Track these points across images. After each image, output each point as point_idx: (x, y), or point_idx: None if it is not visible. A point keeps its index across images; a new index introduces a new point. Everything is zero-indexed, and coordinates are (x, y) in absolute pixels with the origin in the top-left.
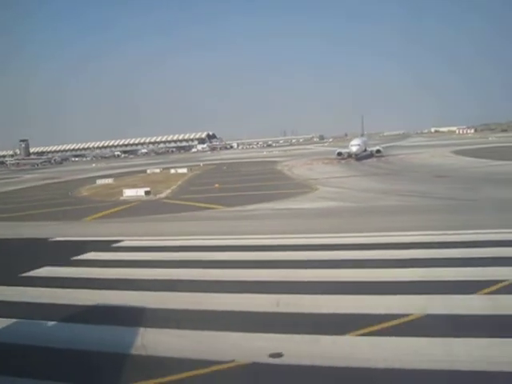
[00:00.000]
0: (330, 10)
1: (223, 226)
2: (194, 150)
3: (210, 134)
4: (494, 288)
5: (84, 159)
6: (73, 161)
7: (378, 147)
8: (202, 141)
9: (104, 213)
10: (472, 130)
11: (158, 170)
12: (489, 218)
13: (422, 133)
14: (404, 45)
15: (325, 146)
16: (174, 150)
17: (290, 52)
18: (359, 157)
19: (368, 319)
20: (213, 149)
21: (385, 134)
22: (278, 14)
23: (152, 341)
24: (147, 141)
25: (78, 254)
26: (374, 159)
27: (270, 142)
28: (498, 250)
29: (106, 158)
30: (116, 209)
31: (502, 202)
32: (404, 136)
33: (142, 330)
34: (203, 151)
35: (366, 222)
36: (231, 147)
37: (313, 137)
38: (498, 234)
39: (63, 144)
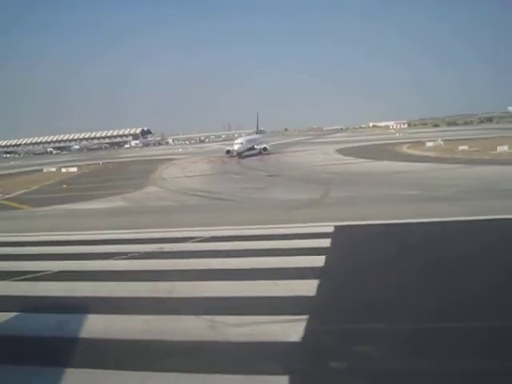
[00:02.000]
0: None
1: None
2: (126, 146)
3: (145, 129)
4: None
5: (17, 156)
6: (4, 157)
7: (265, 145)
8: (136, 137)
9: None
10: (405, 125)
11: (53, 169)
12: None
13: (360, 128)
14: (356, 39)
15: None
16: (107, 146)
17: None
18: (243, 155)
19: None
20: (146, 145)
21: (324, 128)
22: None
23: None
24: (81, 137)
25: None
26: (256, 158)
27: (202, 138)
28: None
29: (37, 154)
30: None
31: (269, 201)
32: (334, 131)
33: None
34: (136, 147)
35: (120, 221)
36: (166, 143)
37: (254, 131)
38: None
39: None
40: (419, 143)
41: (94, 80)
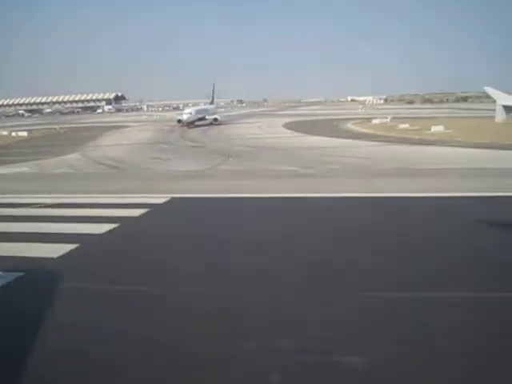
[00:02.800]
0: None
1: None
2: (99, 110)
3: (119, 95)
4: None
5: None
6: None
7: (216, 116)
8: (109, 102)
9: None
10: (381, 101)
11: (5, 133)
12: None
13: (338, 101)
14: (339, 14)
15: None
16: (79, 110)
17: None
18: (192, 125)
19: None
20: (119, 110)
21: (302, 100)
22: None
23: None
24: (54, 100)
25: None
26: (203, 128)
27: (175, 105)
28: None
29: (9, 116)
30: None
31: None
32: (309, 104)
33: None
34: (109, 112)
35: None
36: (140, 109)
37: (232, 101)
38: None
39: None
40: (367, 120)
41: (77, 40)
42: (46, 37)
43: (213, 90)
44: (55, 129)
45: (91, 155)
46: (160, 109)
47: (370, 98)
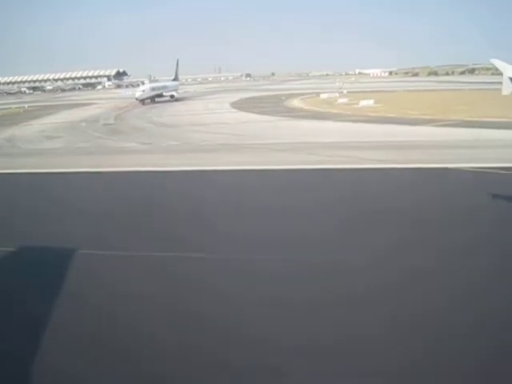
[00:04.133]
0: None
1: None
2: (99, 87)
3: (120, 71)
4: None
5: None
6: None
7: (172, 93)
8: (113, 78)
9: None
10: (386, 74)
11: None
12: None
13: (346, 74)
14: None
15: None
16: (80, 86)
17: None
18: (145, 102)
19: None
20: (118, 86)
21: (310, 74)
22: None
23: None
24: (57, 76)
25: None
26: (156, 104)
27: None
28: None
29: (11, 94)
30: None
31: None
32: (315, 77)
33: None
34: (109, 88)
35: None
36: (142, 84)
37: (241, 75)
38: None
39: None
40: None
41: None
42: (51, 13)
43: (176, 67)
44: (19, 108)
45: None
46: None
47: (375, 71)
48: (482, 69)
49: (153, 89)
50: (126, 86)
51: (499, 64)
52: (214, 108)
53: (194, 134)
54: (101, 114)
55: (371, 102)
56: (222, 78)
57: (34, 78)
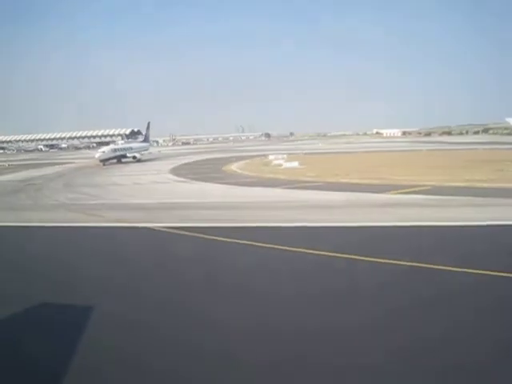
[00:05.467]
0: None
1: None
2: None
3: (135, 130)
4: None
5: (7, 152)
6: None
7: (134, 154)
8: (126, 137)
9: None
10: (399, 134)
11: None
12: None
13: (365, 134)
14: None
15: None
16: (94, 145)
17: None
18: (106, 163)
19: None
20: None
21: (328, 134)
22: None
23: None
24: (73, 135)
25: None
26: (115, 165)
27: (184, 140)
28: None
29: (29, 151)
30: None
31: None
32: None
33: None
34: None
35: None
36: (156, 144)
37: (262, 134)
38: None
39: None
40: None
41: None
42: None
43: (147, 130)
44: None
45: None
46: (170, 143)
47: (392, 131)
48: (500, 128)
49: (114, 150)
50: None
51: None
52: (155, 169)
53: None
54: (48, 174)
55: (296, 163)
56: (243, 138)
57: (52, 137)
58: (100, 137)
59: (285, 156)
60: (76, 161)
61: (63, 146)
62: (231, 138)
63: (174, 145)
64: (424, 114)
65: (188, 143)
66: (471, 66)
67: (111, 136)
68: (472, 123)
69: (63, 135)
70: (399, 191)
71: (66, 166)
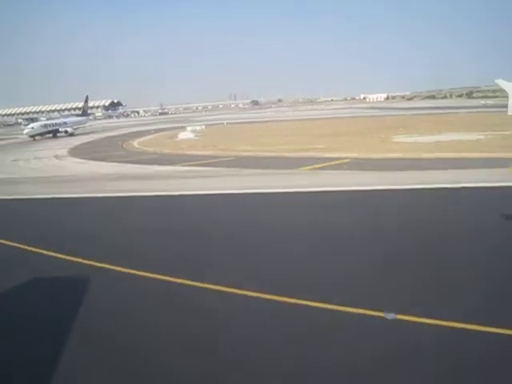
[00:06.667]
0: None
1: None
2: (90, 117)
3: (115, 101)
4: None
5: None
6: None
7: (66, 129)
8: (105, 108)
9: None
10: (382, 98)
11: None
12: None
13: (352, 99)
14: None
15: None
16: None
17: None
18: (35, 138)
19: None
20: (109, 116)
21: (317, 100)
22: None
23: None
24: (53, 108)
25: None
26: (43, 140)
27: (165, 110)
28: None
29: (9, 125)
30: None
31: None
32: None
33: None
34: (98, 119)
35: None
36: (137, 114)
37: (252, 101)
38: None
39: None
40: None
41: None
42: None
43: (85, 103)
44: None
45: None
46: (149, 114)
47: (377, 96)
48: (488, 91)
49: (45, 126)
50: (117, 117)
51: (505, 85)
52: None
53: None
54: None
55: (192, 135)
56: (232, 105)
57: (33, 110)
58: (80, 109)
59: (203, 127)
60: None
61: (42, 119)
62: (221, 106)
63: (160, 114)
64: (426, 77)
65: (166, 113)
66: (472, 28)
67: (91, 108)
68: (466, 86)
69: (44, 108)
70: (201, 162)
71: None
